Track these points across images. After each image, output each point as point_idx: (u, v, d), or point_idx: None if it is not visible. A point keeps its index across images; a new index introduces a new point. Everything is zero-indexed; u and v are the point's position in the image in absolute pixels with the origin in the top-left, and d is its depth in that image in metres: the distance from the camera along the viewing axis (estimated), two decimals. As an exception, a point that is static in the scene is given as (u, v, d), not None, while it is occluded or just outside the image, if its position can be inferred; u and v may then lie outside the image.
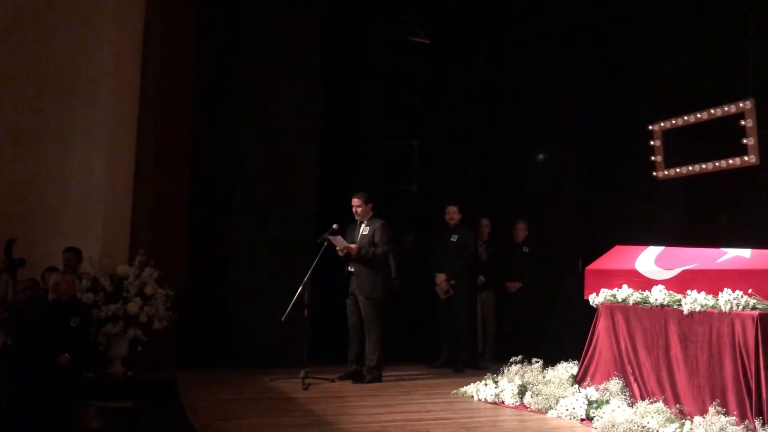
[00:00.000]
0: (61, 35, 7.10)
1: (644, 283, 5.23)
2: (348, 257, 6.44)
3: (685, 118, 6.68)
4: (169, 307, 6.57)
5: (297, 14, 7.43)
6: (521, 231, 8.00)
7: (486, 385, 5.68)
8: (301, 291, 6.12)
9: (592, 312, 5.62)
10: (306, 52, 7.45)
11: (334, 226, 6.35)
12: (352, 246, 6.39)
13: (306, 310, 6.16)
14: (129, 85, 7.23)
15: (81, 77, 7.12)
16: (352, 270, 6.46)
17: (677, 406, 4.68)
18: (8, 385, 5.37)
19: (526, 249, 7.95)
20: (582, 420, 4.91)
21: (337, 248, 6.37)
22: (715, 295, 4.62)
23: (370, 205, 6.61)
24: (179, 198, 7.30)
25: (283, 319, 6.02)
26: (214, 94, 7.46)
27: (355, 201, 6.55)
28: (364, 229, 6.53)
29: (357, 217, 6.58)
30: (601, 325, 5.47)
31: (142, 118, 7.28)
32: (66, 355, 5.74)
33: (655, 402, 4.73)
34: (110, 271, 6.48)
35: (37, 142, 7.01)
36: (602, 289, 5.52)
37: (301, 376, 5.97)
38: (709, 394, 4.51)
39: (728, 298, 4.50)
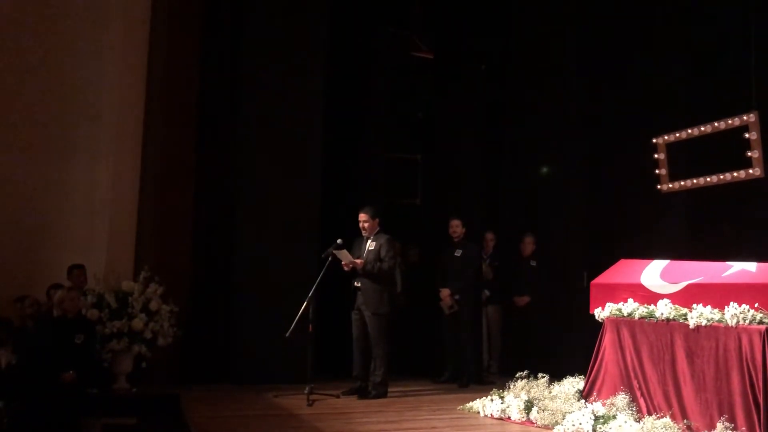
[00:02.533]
0: (66, 47, 7.13)
1: (650, 297, 5.21)
2: (354, 272, 6.43)
3: (689, 131, 6.67)
4: (173, 323, 6.58)
5: (300, 29, 7.47)
6: (529, 245, 8.00)
7: (492, 400, 5.65)
8: (305, 306, 6.10)
9: (597, 326, 5.59)
10: (309, 66, 7.48)
11: (339, 240, 6.34)
12: (358, 261, 6.39)
13: (310, 326, 6.14)
14: (134, 98, 7.27)
15: (86, 90, 7.15)
16: (359, 285, 6.45)
17: (684, 421, 4.64)
18: (13, 403, 5.35)
19: (533, 263, 7.94)
20: (589, 436, 4.88)
21: (343, 263, 6.36)
22: (721, 309, 4.60)
23: (377, 220, 6.59)
24: (183, 213, 7.31)
25: (287, 334, 6.00)
26: (219, 108, 7.49)
27: (362, 216, 6.54)
28: (370, 245, 6.52)
29: (364, 233, 6.57)
30: (607, 340, 5.44)
31: (147, 132, 7.32)
32: (71, 372, 5.77)
33: (662, 417, 4.70)
34: (115, 287, 6.49)
35: (41, 155, 7.02)
36: (608, 303, 5.50)
37: (305, 392, 5.94)
38: (717, 409, 4.48)
39: (735, 312, 4.48)
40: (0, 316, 6.18)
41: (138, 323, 6.35)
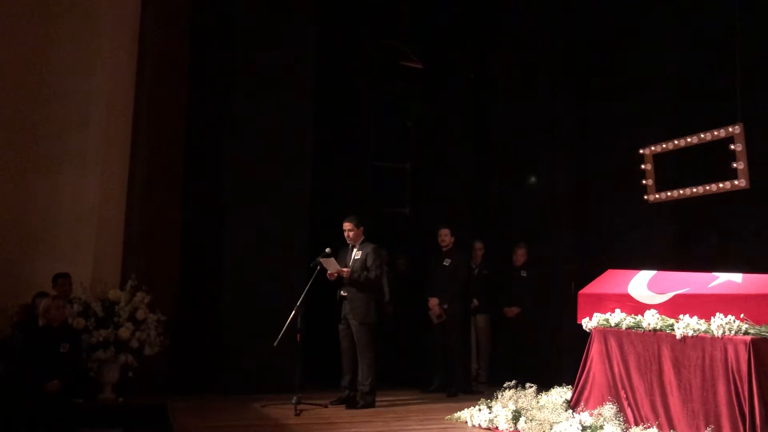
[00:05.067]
0: (54, 57, 7.08)
1: (637, 307, 5.24)
2: (339, 281, 6.42)
3: (676, 142, 6.73)
4: (160, 332, 6.55)
5: (290, 38, 7.47)
6: (521, 256, 8.02)
7: (480, 410, 5.65)
8: (293, 316, 6.09)
9: (585, 336, 5.61)
10: (299, 75, 7.49)
11: (327, 249, 6.33)
12: (345, 270, 6.38)
13: (299, 335, 6.13)
14: (122, 106, 7.25)
15: (74, 100, 7.10)
16: (345, 294, 6.45)
17: (671, 431, 4.66)
18: (-3, 413, 5.30)
19: (524, 273, 7.96)
20: (576, 446, 4.89)
21: (328, 272, 6.35)
22: (708, 319, 4.63)
23: (362, 228, 6.61)
24: (171, 222, 7.28)
25: (275, 344, 5.99)
26: (207, 118, 7.48)
27: (347, 225, 6.55)
28: (356, 254, 6.52)
29: (349, 241, 6.58)
30: (595, 350, 5.46)
31: (135, 141, 7.29)
32: (55, 381, 5.70)
33: (649, 428, 4.72)
34: (102, 295, 6.45)
35: (28, 165, 6.95)
36: (595, 314, 5.52)
37: (293, 401, 5.92)
38: (704, 419, 4.50)
39: (721, 323, 4.51)
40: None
41: (125, 332, 6.31)
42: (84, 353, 6.18)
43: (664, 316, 4.97)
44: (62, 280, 6.50)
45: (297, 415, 5.81)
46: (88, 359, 6.23)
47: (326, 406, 6.24)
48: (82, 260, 6.83)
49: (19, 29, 7.00)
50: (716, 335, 4.52)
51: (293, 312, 6.09)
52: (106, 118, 7.15)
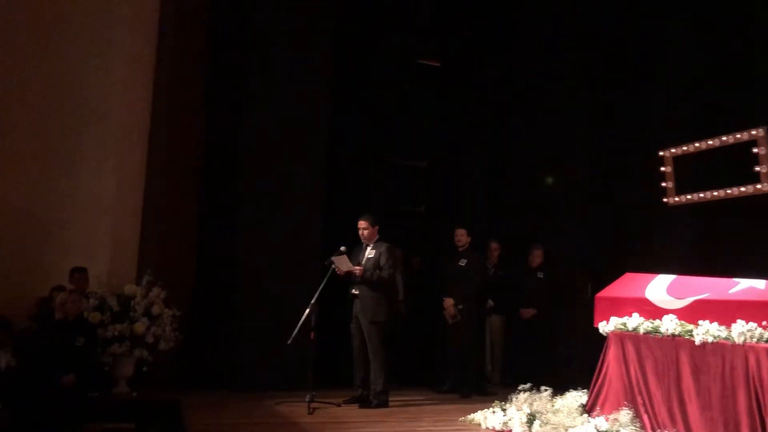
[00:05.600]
0: (72, 50, 7.10)
1: (655, 312, 5.17)
2: (350, 279, 6.40)
3: (697, 144, 6.61)
4: (175, 327, 6.56)
5: (307, 36, 7.46)
6: (537, 257, 7.95)
7: (494, 412, 5.60)
8: (308, 313, 6.07)
9: (601, 339, 5.55)
10: (316, 72, 7.48)
11: (342, 248, 6.31)
12: (357, 268, 6.35)
13: (312, 333, 6.11)
14: (140, 100, 7.26)
15: (92, 91, 7.12)
16: (356, 293, 6.42)
17: (689, 438, 4.61)
18: (12, 406, 5.32)
19: (540, 275, 7.90)
20: (591, 451, 4.84)
21: (340, 269, 6.32)
22: (728, 326, 4.55)
23: (377, 227, 6.57)
24: (187, 218, 7.30)
25: (289, 342, 5.97)
26: (225, 113, 7.49)
27: (362, 224, 6.52)
28: (369, 252, 6.49)
29: (363, 240, 6.55)
30: (611, 354, 5.40)
31: (153, 136, 7.30)
32: (71, 375, 5.72)
33: (666, 434, 4.66)
34: (117, 290, 6.47)
35: (47, 159, 7.00)
36: (612, 317, 5.46)
37: (306, 400, 5.91)
38: (723, 427, 4.43)
39: (742, 330, 4.44)
40: (0, 317, 6.15)
41: (140, 327, 6.33)
42: (99, 347, 6.21)
43: (683, 322, 4.90)
44: (79, 274, 6.54)
45: (310, 413, 5.80)
46: (103, 353, 6.26)
47: (339, 405, 6.22)
48: (98, 254, 6.87)
49: (36, 23, 7.02)
50: (737, 342, 4.44)
51: (307, 310, 6.07)
52: (124, 111, 7.18)
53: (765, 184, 5.98)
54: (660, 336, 4.98)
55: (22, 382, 5.60)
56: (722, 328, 4.60)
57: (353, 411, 6.11)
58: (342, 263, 6.27)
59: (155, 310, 6.44)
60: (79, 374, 5.77)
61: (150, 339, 6.37)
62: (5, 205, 6.79)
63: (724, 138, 6.33)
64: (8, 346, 5.83)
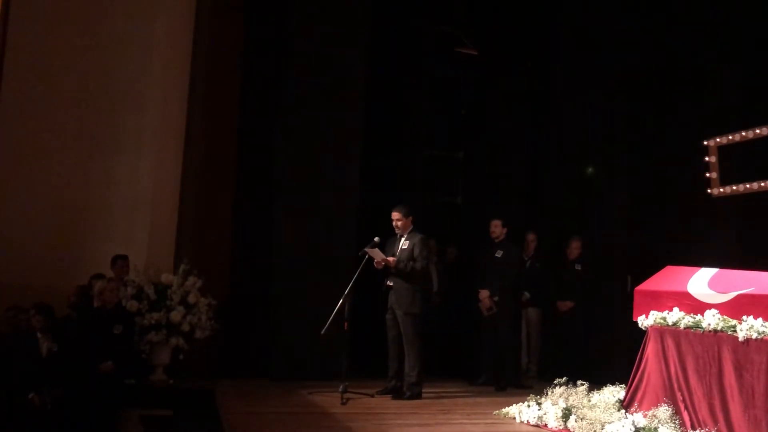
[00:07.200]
0: (110, 41, 7.21)
1: (696, 306, 5.01)
2: (386, 271, 6.37)
3: (743, 133, 6.40)
4: (211, 316, 6.63)
5: (344, 27, 7.42)
6: (575, 249, 7.81)
7: (529, 406, 5.52)
8: (341, 304, 6.07)
9: (640, 334, 5.41)
10: (352, 62, 7.43)
11: (376, 239, 6.30)
12: (391, 259, 6.32)
13: (346, 324, 6.10)
14: (177, 93, 7.34)
15: (130, 84, 7.23)
16: (391, 284, 6.39)
17: (731, 437, 4.46)
18: (53, 391, 5.44)
19: (578, 267, 7.75)
20: (629, 448, 4.73)
21: (375, 260, 6.30)
22: (774, 322, 4.39)
23: (411, 218, 6.52)
24: (223, 208, 7.36)
25: (322, 332, 5.98)
26: (260, 104, 7.51)
27: (395, 215, 6.48)
28: (403, 244, 6.45)
29: (397, 231, 6.51)
30: (650, 349, 5.25)
31: (190, 127, 7.37)
32: (109, 362, 5.83)
33: (707, 432, 4.52)
34: (155, 279, 6.55)
35: (85, 149, 7.13)
36: (652, 311, 5.31)
37: (340, 390, 5.92)
38: (766, 426, 4.28)
39: (788, 326, 4.28)
40: (42, 304, 6.28)
41: (176, 315, 6.41)
42: (136, 335, 6.30)
43: (725, 317, 4.73)
44: (121, 261, 6.66)
45: (343, 403, 5.80)
46: (140, 341, 6.36)
47: (373, 396, 6.21)
48: (136, 244, 6.98)
49: (77, 15, 7.13)
50: (783, 339, 4.28)
51: (341, 300, 6.07)
52: (162, 103, 7.25)
53: (815, 174, 5.75)
54: (701, 331, 4.82)
55: (62, 367, 5.71)
56: (767, 324, 4.43)
57: (386, 402, 6.10)
58: (376, 255, 6.25)
59: (191, 299, 6.51)
60: (117, 361, 5.88)
61: (186, 327, 6.44)
62: (47, 194, 6.94)
63: (772, 127, 6.12)
64: (50, 332, 5.95)
